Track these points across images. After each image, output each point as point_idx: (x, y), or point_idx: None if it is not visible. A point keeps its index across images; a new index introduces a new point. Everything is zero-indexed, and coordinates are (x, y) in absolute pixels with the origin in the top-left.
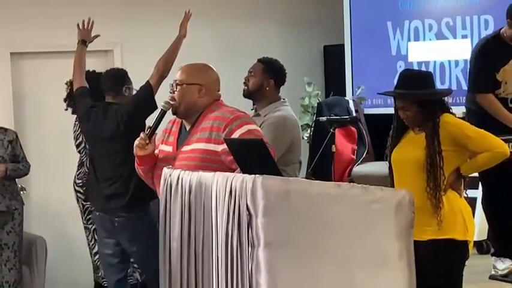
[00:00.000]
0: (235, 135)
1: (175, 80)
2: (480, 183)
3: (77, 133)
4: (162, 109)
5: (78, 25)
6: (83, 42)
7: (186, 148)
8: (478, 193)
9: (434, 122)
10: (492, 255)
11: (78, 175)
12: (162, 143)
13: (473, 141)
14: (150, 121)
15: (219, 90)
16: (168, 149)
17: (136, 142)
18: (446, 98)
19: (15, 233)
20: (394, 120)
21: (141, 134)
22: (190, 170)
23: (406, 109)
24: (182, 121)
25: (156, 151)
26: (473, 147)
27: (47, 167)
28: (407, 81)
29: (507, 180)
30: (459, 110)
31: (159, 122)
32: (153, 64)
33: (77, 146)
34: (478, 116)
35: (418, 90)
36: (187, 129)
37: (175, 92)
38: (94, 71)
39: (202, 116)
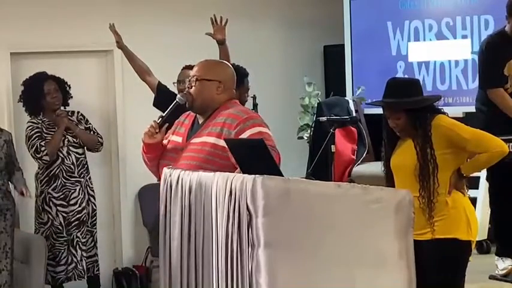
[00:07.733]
0: (245, 134)
1: (194, 75)
2: (486, 180)
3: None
4: (177, 101)
5: (211, 20)
6: (222, 42)
7: (195, 140)
8: (478, 193)
9: (425, 130)
10: (495, 254)
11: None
12: (173, 134)
13: (471, 142)
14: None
15: (234, 89)
16: (178, 139)
17: (145, 129)
18: (447, 99)
19: (7, 234)
20: (384, 130)
21: (152, 122)
22: (196, 162)
23: (395, 118)
24: (196, 115)
25: (165, 141)
26: (472, 149)
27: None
28: (394, 90)
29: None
30: (459, 110)
31: (171, 113)
32: (153, 64)
33: None
34: (486, 116)
35: (405, 98)
36: (200, 122)
37: (193, 87)
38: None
39: (217, 111)
